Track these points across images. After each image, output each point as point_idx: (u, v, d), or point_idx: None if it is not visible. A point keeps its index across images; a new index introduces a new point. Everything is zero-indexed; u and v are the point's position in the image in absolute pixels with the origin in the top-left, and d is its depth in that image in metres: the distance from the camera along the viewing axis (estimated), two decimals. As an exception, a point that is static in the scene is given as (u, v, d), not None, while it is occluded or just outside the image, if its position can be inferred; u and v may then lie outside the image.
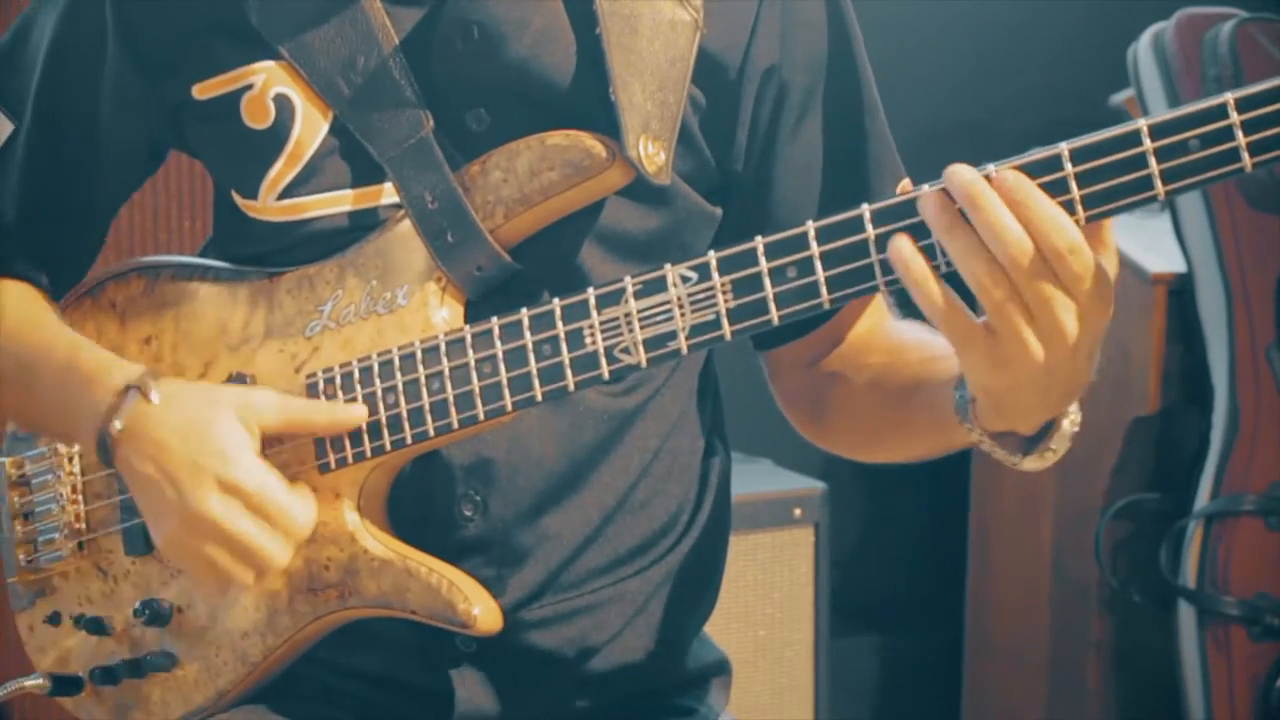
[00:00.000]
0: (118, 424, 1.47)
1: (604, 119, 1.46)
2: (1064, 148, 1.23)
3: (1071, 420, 1.36)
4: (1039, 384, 1.29)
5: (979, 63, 3.78)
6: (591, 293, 1.40)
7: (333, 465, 1.50)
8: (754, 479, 3.03)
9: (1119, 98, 3.41)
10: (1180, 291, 3.19)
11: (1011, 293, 1.24)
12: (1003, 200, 1.22)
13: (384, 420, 1.47)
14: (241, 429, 1.46)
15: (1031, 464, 1.38)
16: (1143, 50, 3.20)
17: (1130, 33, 3.24)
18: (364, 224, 1.53)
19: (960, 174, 1.24)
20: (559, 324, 1.41)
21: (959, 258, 1.25)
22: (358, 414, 1.48)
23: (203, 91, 1.57)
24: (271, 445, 1.51)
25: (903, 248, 1.26)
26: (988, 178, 1.24)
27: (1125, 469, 3.29)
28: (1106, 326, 1.29)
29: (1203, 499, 3.13)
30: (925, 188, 1.27)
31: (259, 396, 1.49)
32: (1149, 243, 3.28)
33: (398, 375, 1.47)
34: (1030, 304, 1.24)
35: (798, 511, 2.99)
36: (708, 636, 1.76)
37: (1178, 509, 3.18)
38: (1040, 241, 1.22)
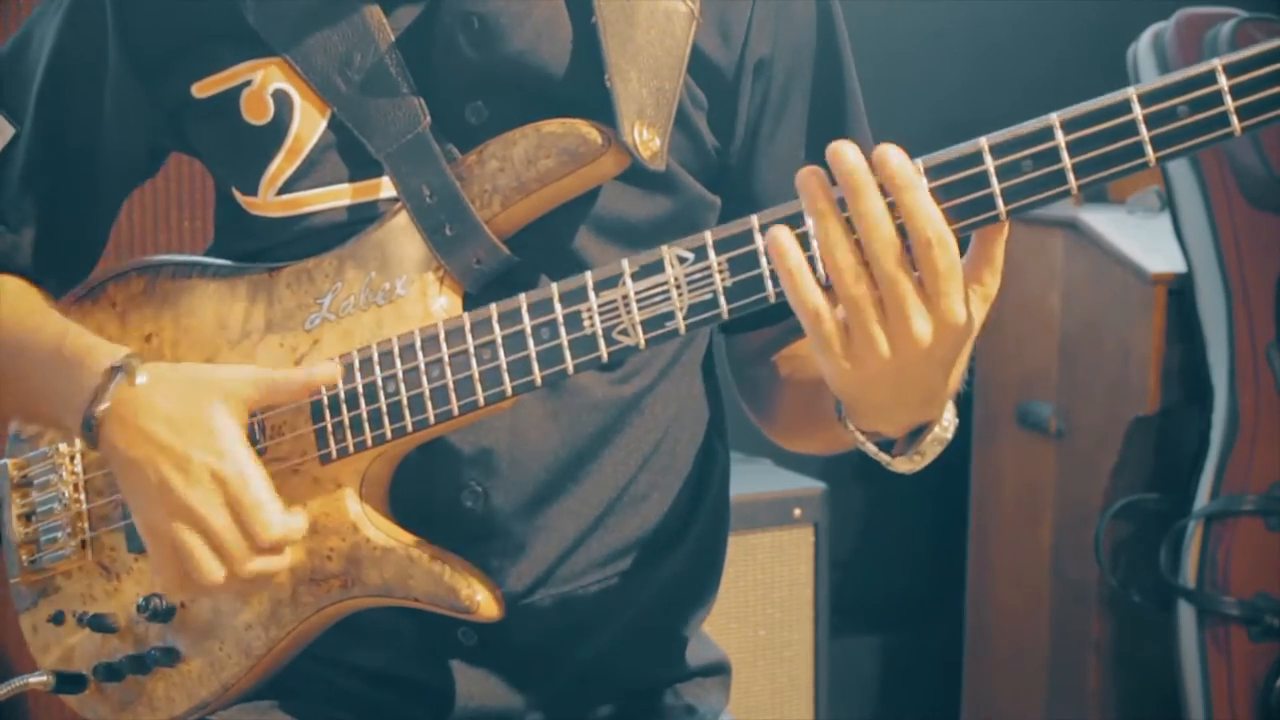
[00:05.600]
0: (103, 406, 1.48)
1: (600, 107, 1.47)
2: (1054, 118, 1.25)
3: (943, 427, 1.39)
4: (888, 384, 1.31)
5: (979, 63, 3.79)
6: (589, 276, 1.40)
7: (334, 455, 1.50)
8: (754, 479, 3.04)
9: (1119, 97, 3.41)
10: (1180, 291, 3.20)
11: (869, 288, 1.26)
12: (885, 181, 1.25)
13: (384, 409, 1.48)
14: (229, 416, 1.47)
15: (902, 465, 1.42)
16: (1143, 50, 3.20)
17: (1130, 33, 3.25)
18: (363, 217, 1.54)
19: (846, 158, 1.26)
20: (557, 308, 1.41)
21: (826, 245, 1.26)
22: (329, 371, 1.49)
23: (202, 90, 1.57)
24: (272, 437, 1.52)
25: (781, 235, 1.28)
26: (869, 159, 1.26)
27: (1125, 469, 3.29)
28: (965, 341, 1.31)
29: (1203, 499, 3.13)
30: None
31: (240, 376, 1.49)
32: (1149, 243, 3.28)
33: (397, 364, 1.47)
34: (885, 302, 1.26)
35: (798, 511, 2.99)
36: (708, 636, 1.76)
37: (1178, 509, 3.19)
38: (910, 229, 1.24)
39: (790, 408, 1.64)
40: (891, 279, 1.25)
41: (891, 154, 1.25)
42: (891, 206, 1.25)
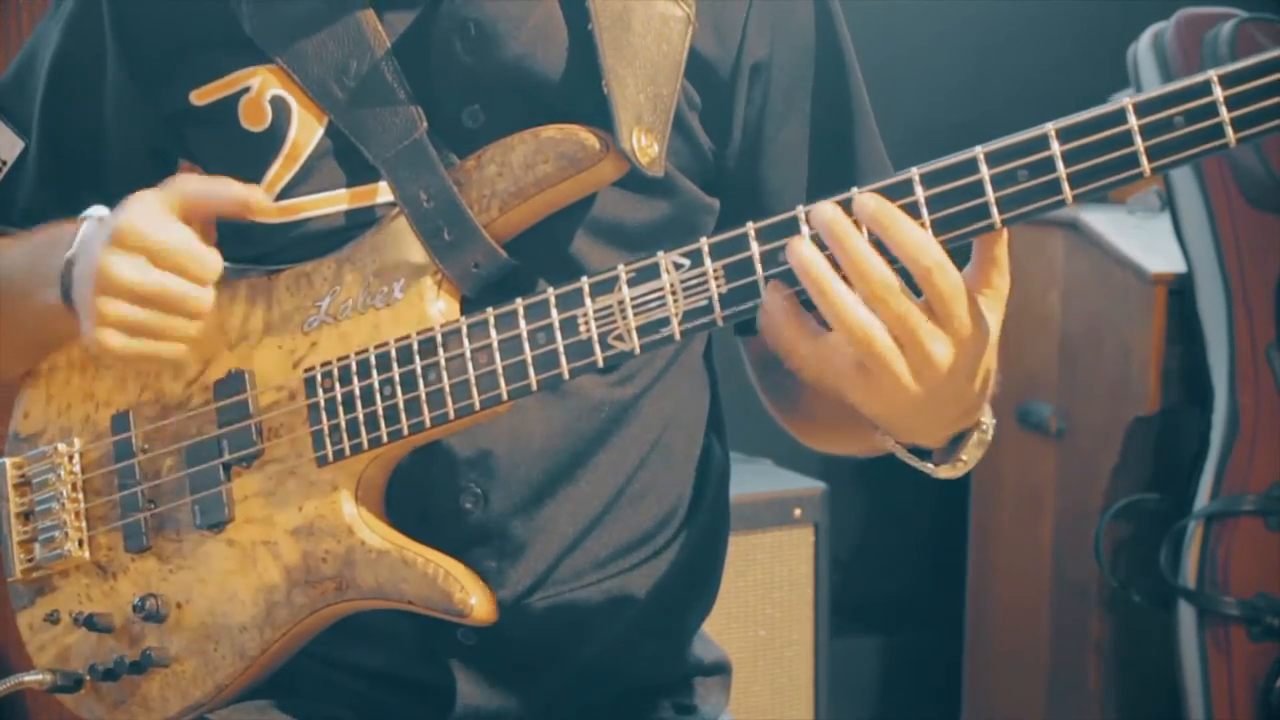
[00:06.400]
0: (71, 251, 1.50)
1: (597, 113, 1.47)
2: (1050, 127, 1.25)
3: (982, 430, 1.40)
4: (920, 409, 1.32)
5: (979, 63, 3.79)
6: (585, 281, 1.40)
7: (330, 458, 1.50)
8: (754, 479, 3.04)
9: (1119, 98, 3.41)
10: (1180, 291, 3.20)
11: (878, 330, 1.26)
12: (866, 225, 1.26)
13: (381, 412, 1.48)
14: (152, 198, 1.45)
15: (945, 473, 1.42)
16: (1143, 50, 3.20)
17: (1130, 33, 3.25)
18: (361, 222, 1.54)
19: (822, 212, 1.27)
20: (553, 312, 1.41)
21: (827, 308, 1.27)
22: (260, 199, 1.48)
23: (201, 97, 1.58)
24: (269, 438, 1.53)
25: (776, 301, 1.31)
26: (847, 203, 1.27)
27: (1125, 469, 3.29)
28: (984, 349, 1.31)
29: (1203, 499, 3.13)
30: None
31: (172, 184, 1.48)
32: (1149, 243, 3.28)
33: (394, 367, 1.47)
34: (899, 337, 1.27)
35: (798, 511, 2.99)
36: (708, 636, 1.76)
37: (1178, 509, 3.19)
38: (906, 263, 1.25)
39: (822, 411, 1.64)
40: (900, 313, 1.26)
41: (867, 199, 1.27)
42: (881, 246, 1.26)
